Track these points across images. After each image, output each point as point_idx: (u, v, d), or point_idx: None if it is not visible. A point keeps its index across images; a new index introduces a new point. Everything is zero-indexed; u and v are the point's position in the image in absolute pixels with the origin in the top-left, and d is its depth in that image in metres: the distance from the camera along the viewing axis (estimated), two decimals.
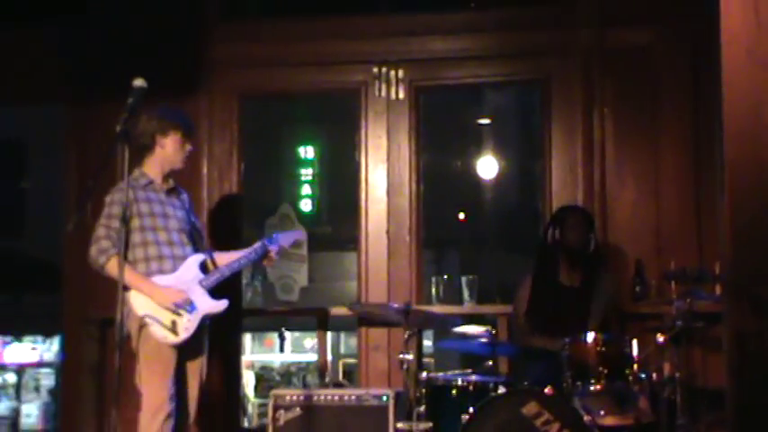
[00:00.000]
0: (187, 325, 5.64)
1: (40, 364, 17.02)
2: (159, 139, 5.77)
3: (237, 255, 5.97)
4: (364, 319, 7.17)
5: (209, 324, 5.87)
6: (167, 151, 5.82)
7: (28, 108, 10.77)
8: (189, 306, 5.63)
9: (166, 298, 5.57)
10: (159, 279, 5.65)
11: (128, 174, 5.13)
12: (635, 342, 5.76)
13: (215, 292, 5.80)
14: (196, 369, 5.83)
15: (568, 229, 6.36)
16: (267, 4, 8.56)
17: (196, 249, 5.90)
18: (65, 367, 7.59)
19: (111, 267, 5.64)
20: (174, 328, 5.58)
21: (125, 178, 5.08)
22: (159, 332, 5.59)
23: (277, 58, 7.48)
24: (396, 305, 6.22)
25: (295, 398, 6.50)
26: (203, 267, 5.83)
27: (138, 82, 5.25)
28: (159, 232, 5.74)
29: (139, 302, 5.61)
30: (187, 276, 5.73)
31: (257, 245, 5.98)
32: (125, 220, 5.41)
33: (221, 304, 5.77)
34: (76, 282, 6.88)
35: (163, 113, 5.80)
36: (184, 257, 5.78)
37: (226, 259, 5.96)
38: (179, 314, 5.62)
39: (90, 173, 6.90)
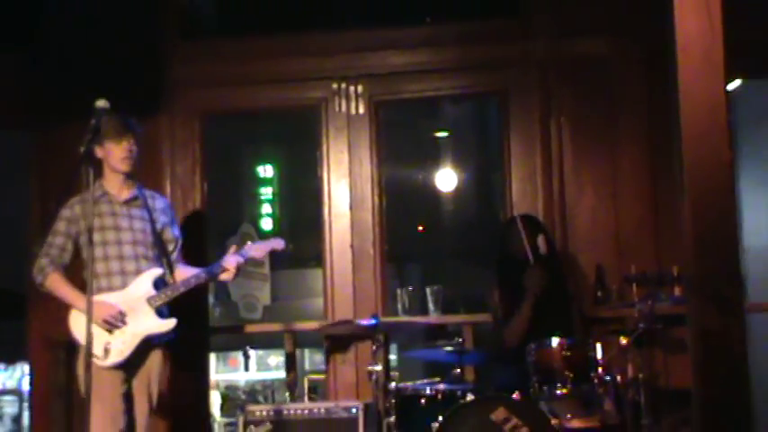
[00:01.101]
0: (121, 347, 5.45)
1: (2, 392, 16.84)
2: (98, 149, 5.49)
3: (195, 271, 5.80)
4: (331, 333, 7.14)
5: (170, 343, 5.73)
6: (108, 158, 5.61)
7: None
8: (122, 321, 5.41)
9: (97, 314, 5.19)
10: (106, 296, 5.46)
11: (89, 190, 5.06)
12: (598, 345, 5.81)
13: (176, 310, 5.67)
14: (143, 392, 5.62)
15: (513, 239, 6.41)
16: (226, 22, 8.57)
17: (162, 258, 5.72)
18: (33, 393, 7.48)
19: (50, 284, 5.62)
20: (106, 350, 5.39)
21: (81, 194, 5.05)
22: (97, 351, 5.34)
23: (237, 76, 7.50)
24: (365, 321, 6.24)
25: (265, 413, 6.50)
26: (160, 283, 5.64)
27: (101, 103, 5.21)
28: (109, 247, 5.55)
29: (79, 321, 5.43)
30: (136, 293, 5.55)
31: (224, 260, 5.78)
32: (72, 237, 5.47)
33: (168, 324, 5.59)
34: (41, 306, 6.80)
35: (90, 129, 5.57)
36: (138, 272, 5.59)
37: (185, 275, 5.77)
38: (113, 334, 5.42)
39: (53, 197, 6.98)
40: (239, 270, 5.74)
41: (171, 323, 5.59)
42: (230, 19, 8.61)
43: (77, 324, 5.51)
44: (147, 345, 5.58)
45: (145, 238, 5.67)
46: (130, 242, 5.62)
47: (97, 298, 5.35)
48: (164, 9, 7.55)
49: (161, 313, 5.60)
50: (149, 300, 5.55)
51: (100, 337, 5.34)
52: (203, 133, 7.54)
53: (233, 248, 5.76)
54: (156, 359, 5.66)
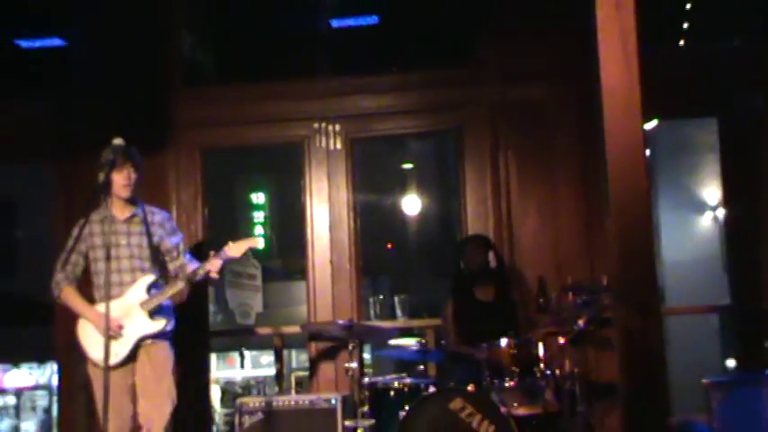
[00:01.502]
0: (118, 350, 5.36)
1: (36, 387, 16.81)
2: (105, 178, 5.37)
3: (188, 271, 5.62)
4: (314, 335, 7.15)
5: (173, 341, 5.61)
6: (113, 185, 5.47)
7: (17, 168, 10.54)
8: (119, 331, 5.34)
9: (100, 325, 5.18)
10: (102, 306, 5.21)
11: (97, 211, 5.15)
12: (540, 345, 5.83)
13: (182, 316, 5.64)
14: (151, 387, 5.51)
15: (467, 255, 6.43)
16: (222, 72, 8.62)
17: (158, 267, 5.58)
18: (61, 389, 7.45)
19: (64, 297, 5.60)
20: (106, 352, 5.12)
21: (90, 215, 5.05)
22: (95, 355, 5.37)
23: (232, 117, 7.47)
24: (342, 322, 6.24)
25: (257, 404, 6.47)
26: (153, 288, 5.52)
27: (117, 141, 5.26)
28: (108, 262, 5.20)
29: (86, 328, 5.47)
30: (132, 300, 5.45)
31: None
32: (81, 253, 5.46)
33: (157, 325, 5.47)
34: (65, 314, 6.75)
35: (99, 159, 5.45)
36: (134, 282, 5.50)
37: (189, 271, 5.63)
38: (114, 338, 5.30)
39: (75, 218, 6.99)
40: (222, 270, 5.58)
41: (161, 324, 5.49)
42: (226, 69, 8.68)
43: (84, 331, 5.51)
44: (146, 343, 5.51)
45: (141, 252, 5.56)
46: (127, 256, 5.52)
47: (98, 308, 5.36)
48: (170, 61, 7.53)
49: (156, 314, 5.49)
50: (142, 304, 5.46)
51: (101, 342, 5.19)
52: (204, 166, 7.49)
53: (212, 253, 5.58)
54: (159, 355, 5.56)
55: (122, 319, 5.41)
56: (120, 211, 5.58)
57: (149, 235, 5.59)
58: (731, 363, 8.69)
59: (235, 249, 5.56)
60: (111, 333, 5.16)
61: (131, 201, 5.63)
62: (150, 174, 5.73)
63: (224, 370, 15.17)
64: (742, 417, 6.06)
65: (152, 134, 7.08)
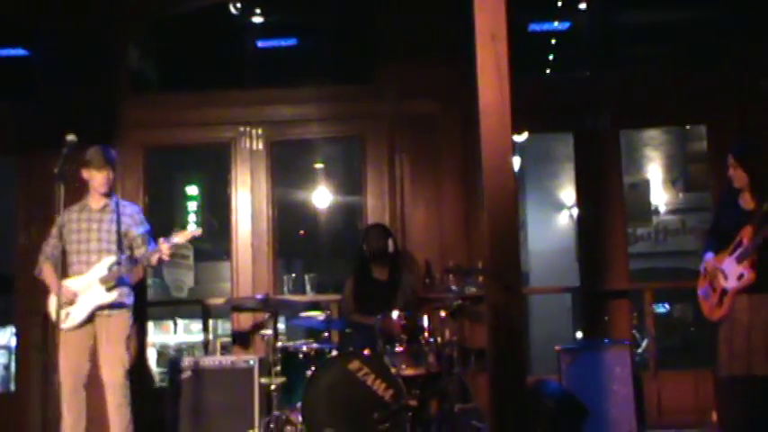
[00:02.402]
0: (75, 315, 5.39)
1: None
2: (84, 173, 5.55)
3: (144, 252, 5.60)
4: (236, 307, 7.12)
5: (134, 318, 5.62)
6: (91, 181, 5.59)
7: None
8: (73, 299, 5.36)
9: (60, 295, 5.17)
10: (72, 280, 5.41)
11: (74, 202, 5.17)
12: (425, 317, 5.87)
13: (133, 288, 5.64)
14: (107, 351, 5.47)
15: (371, 240, 6.42)
16: (164, 80, 8.53)
17: (121, 250, 5.53)
18: (18, 349, 7.29)
19: (44, 275, 5.60)
20: (66, 317, 5.30)
21: (61, 207, 4.95)
22: (60, 320, 5.26)
23: (171, 120, 7.37)
24: (259, 296, 6.23)
25: (187, 364, 6.44)
26: (114, 267, 5.48)
27: (71, 137, 5.12)
28: (81, 244, 5.50)
29: (51, 300, 5.47)
30: (94, 276, 5.45)
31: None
32: (60, 237, 5.40)
33: (110, 296, 5.44)
34: (25, 286, 6.62)
35: (83, 157, 5.52)
36: (99, 261, 5.49)
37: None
38: (74, 306, 5.37)
39: (33, 203, 6.89)
40: (171, 252, 5.56)
41: (113, 295, 5.46)
42: (167, 79, 8.59)
43: (52, 302, 5.44)
44: (104, 313, 5.46)
45: (109, 237, 5.55)
46: (96, 240, 5.54)
47: (65, 282, 5.34)
48: (119, 69, 7.39)
49: (113, 288, 5.46)
50: (100, 279, 5.45)
51: (64, 308, 5.28)
52: (146, 161, 7.38)
53: (161, 239, 5.54)
54: (114, 324, 5.49)
55: (83, 291, 5.42)
56: (95, 202, 5.62)
57: (118, 224, 5.59)
58: (580, 334, 8.89)
59: (181, 236, 5.55)
60: (66, 301, 5.25)
61: (107, 194, 5.65)
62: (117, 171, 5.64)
63: (160, 335, 14.91)
64: (585, 376, 6.24)
65: (101, 133, 6.85)
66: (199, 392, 6.34)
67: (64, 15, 7.14)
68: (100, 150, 5.57)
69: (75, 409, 5.37)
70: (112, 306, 5.49)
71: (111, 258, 5.52)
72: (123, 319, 5.55)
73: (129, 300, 5.61)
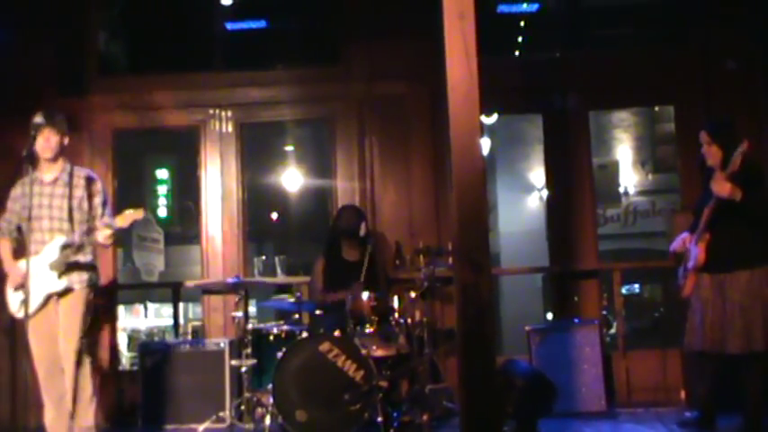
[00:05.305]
0: (30, 302, 4.90)
1: None
2: (32, 142, 5.02)
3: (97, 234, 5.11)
4: (207, 290, 7.09)
5: (90, 288, 5.19)
6: (36, 149, 5.10)
7: None
8: (24, 284, 4.79)
9: (12, 278, 5.03)
10: (22, 262, 4.99)
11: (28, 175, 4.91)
12: (395, 298, 5.90)
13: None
14: (65, 333, 5.08)
15: (344, 220, 6.41)
16: (133, 63, 8.46)
17: (75, 225, 5.12)
18: None
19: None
20: (20, 306, 4.97)
21: (22, 179, 4.84)
22: (11, 307, 5.15)
23: (140, 102, 7.34)
24: (230, 278, 6.19)
25: (158, 347, 6.43)
26: (66, 247, 5.07)
27: (38, 119, 5.08)
28: (33, 222, 4.97)
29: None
30: (45, 259, 5.05)
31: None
32: (12, 211, 5.19)
33: (62, 284, 5.06)
34: None
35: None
36: (51, 241, 5.09)
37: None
38: (23, 289, 4.86)
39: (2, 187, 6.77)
40: (112, 235, 5.08)
41: (64, 283, 5.08)
42: (136, 62, 8.52)
43: (7, 285, 5.21)
44: (57, 297, 5.12)
45: (61, 214, 5.14)
46: (48, 217, 5.12)
47: (19, 264, 5.07)
48: (87, 52, 7.35)
49: (66, 272, 5.08)
50: (50, 265, 5.07)
51: (13, 295, 5.11)
52: (115, 144, 7.34)
53: (100, 223, 5.11)
54: (68, 305, 5.12)
55: (35, 275, 4.98)
56: (47, 172, 5.18)
57: (70, 198, 5.18)
58: (550, 315, 8.95)
59: (120, 221, 5.08)
60: (15, 285, 5.06)
61: (58, 162, 5.22)
62: (68, 150, 5.39)
63: (130, 319, 14.84)
64: (555, 356, 6.29)
65: (71, 115, 6.77)
66: (170, 375, 6.34)
67: None
68: (41, 113, 5.10)
69: (55, 394, 5.08)
70: (64, 291, 5.14)
71: (62, 239, 5.11)
72: (79, 299, 5.16)
73: (83, 278, 5.19)
